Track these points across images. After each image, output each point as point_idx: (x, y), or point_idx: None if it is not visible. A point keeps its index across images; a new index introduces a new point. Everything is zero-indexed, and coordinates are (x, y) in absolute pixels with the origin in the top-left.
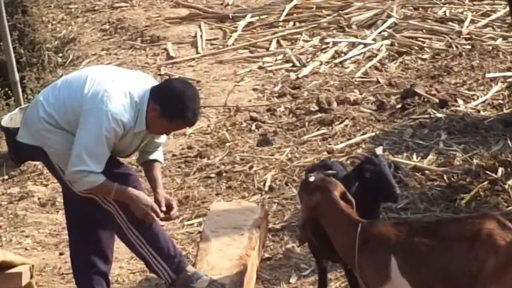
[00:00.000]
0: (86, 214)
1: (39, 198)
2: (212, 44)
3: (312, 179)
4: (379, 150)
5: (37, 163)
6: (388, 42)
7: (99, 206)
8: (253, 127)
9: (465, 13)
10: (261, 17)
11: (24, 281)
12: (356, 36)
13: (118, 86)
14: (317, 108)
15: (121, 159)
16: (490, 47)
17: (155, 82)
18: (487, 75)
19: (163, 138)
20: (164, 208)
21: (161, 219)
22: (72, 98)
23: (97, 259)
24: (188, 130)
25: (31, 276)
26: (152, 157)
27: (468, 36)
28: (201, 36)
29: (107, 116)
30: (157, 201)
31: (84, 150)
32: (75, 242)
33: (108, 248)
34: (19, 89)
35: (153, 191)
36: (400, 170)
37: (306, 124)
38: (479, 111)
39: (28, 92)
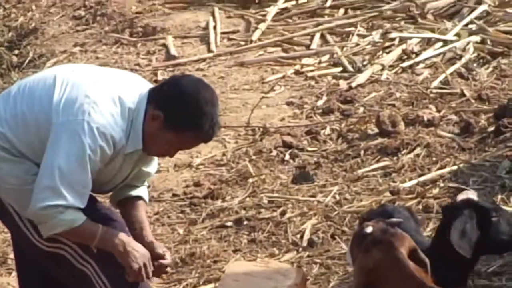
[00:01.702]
0: (50, 277)
1: None
2: (230, 39)
3: (369, 230)
4: (472, 195)
5: None
6: (477, 38)
7: (70, 266)
8: (287, 157)
9: None
10: (299, 1)
11: None
12: (432, 30)
13: (102, 90)
14: (377, 130)
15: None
16: None
17: (151, 86)
18: None
19: (153, 168)
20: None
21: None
22: (35, 110)
23: None
24: (195, 160)
25: None
26: (134, 193)
27: None
28: (214, 27)
29: (91, 130)
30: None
31: (58, 178)
32: None
33: None
34: None
35: (137, 238)
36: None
37: (362, 153)
38: None
39: None
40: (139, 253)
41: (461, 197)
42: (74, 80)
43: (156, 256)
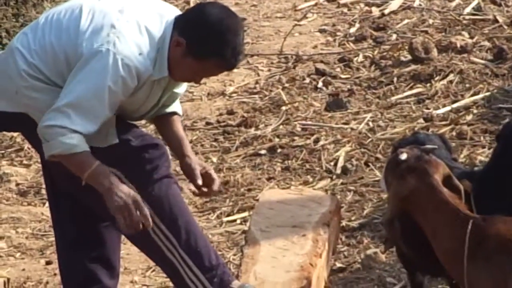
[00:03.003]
0: (84, 205)
1: (17, 184)
2: None
3: (404, 157)
4: None
5: (14, 134)
6: None
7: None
8: (320, 84)
9: None
10: None
11: None
12: None
13: (129, 19)
14: (410, 57)
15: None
16: None
17: (179, 12)
18: None
19: (183, 88)
20: (200, 181)
21: (198, 195)
22: (63, 40)
23: (100, 270)
24: (229, 88)
25: None
26: (169, 109)
27: None
28: None
29: (115, 60)
30: (189, 168)
31: (72, 103)
32: (66, 246)
33: (115, 255)
34: None
35: (177, 156)
36: None
37: (395, 80)
38: None
39: (2, 35)
40: (122, 199)
41: None
42: (101, 9)
43: (203, 176)
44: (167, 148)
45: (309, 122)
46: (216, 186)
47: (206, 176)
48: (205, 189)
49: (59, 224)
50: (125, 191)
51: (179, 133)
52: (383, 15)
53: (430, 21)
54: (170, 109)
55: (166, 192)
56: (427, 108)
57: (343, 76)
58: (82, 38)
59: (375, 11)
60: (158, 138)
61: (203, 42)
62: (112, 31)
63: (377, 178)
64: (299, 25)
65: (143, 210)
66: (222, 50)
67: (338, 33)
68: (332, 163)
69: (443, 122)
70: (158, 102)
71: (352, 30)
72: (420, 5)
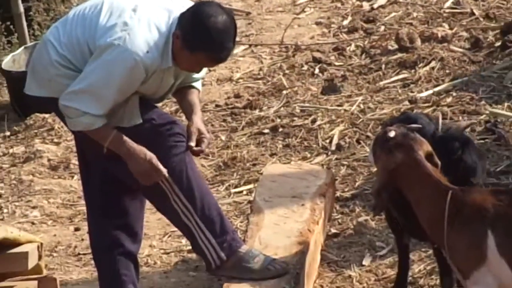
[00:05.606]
0: (111, 176)
1: (49, 160)
2: None
3: (392, 134)
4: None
5: (46, 115)
6: None
7: None
8: (317, 71)
9: None
10: None
11: (31, 263)
12: None
13: (140, 17)
14: (396, 46)
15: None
16: None
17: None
18: None
19: (202, 72)
20: (192, 144)
21: (192, 152)
22: (86, 35)
23: (123, 236)
24: (236, 74)
25: (40, 257)
26: (187, 84)
27: None
28: None
29: (123, 54)
30: (188, 130)
31: (85, 90)
32: (95, 215)
33: (138, 222)
34: (23, 23)
35: (186, 118)
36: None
37: (383, 66)
38: None
39: (35, 27)
40: (142, 157)
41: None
42: (117, 6)
43: (188, 139)
44: (183, 125)
45: (307, 105)
46: (203, 147)
47: (199, 141)
48: (195, 149)
49: (89, 194)
50: (141, 154)
51: (192, 100)
52: (372, 9)
53: (414, 14)
54: (188, 83)
55: (186, 165)
56: (412, 92)
57: (337, 64)
58: (100, 32)
59: (366, 6)
60: (175, 117)
61: (192, 36)
62: (123, 28)
63: (367, 154)
64: (298, 18)
65: (158, 167)
66: (209, 45)
67: (332, 25)
68: (327, 141)
69: (426, 104)
70: (173, 86)
71: (345, 22)
72: (405, 0)
